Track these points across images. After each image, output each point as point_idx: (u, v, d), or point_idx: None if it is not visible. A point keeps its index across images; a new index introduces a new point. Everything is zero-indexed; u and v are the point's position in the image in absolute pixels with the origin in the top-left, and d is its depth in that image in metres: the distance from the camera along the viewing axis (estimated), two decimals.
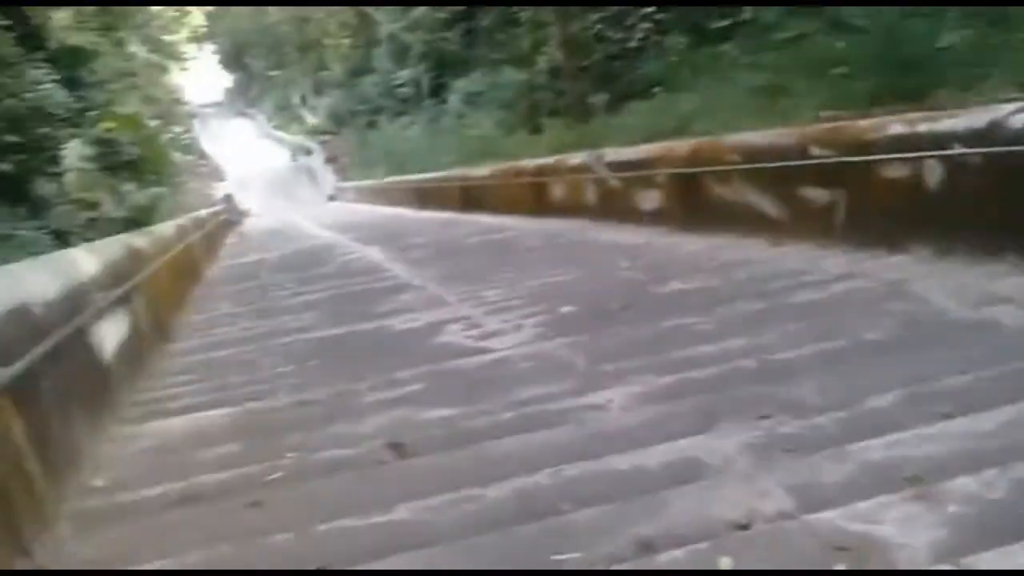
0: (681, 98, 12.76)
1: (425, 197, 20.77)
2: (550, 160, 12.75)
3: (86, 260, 5.50)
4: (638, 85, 17.20)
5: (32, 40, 18.47)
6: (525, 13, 23.78)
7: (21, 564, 2.67)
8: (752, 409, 3.23)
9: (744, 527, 2.34)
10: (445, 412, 3.92)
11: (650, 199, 9.55)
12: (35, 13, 19.29)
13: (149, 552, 2.75)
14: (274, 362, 5.59)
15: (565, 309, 5.83)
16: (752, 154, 7.48)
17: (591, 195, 11.19)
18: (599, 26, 19.67)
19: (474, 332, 5.58)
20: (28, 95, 16.30)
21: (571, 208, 11.80)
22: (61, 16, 23.54)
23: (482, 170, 16.53)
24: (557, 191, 12.39)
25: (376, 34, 42.86)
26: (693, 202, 8.51)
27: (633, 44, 19.10)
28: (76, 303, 4.62)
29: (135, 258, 7.01)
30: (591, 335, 4.97)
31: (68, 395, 3.86)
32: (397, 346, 5.58)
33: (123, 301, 5.87)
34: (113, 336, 5.33)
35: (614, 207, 10.48)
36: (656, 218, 9.37)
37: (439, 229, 14.41)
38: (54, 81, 17.96)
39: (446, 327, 5.86)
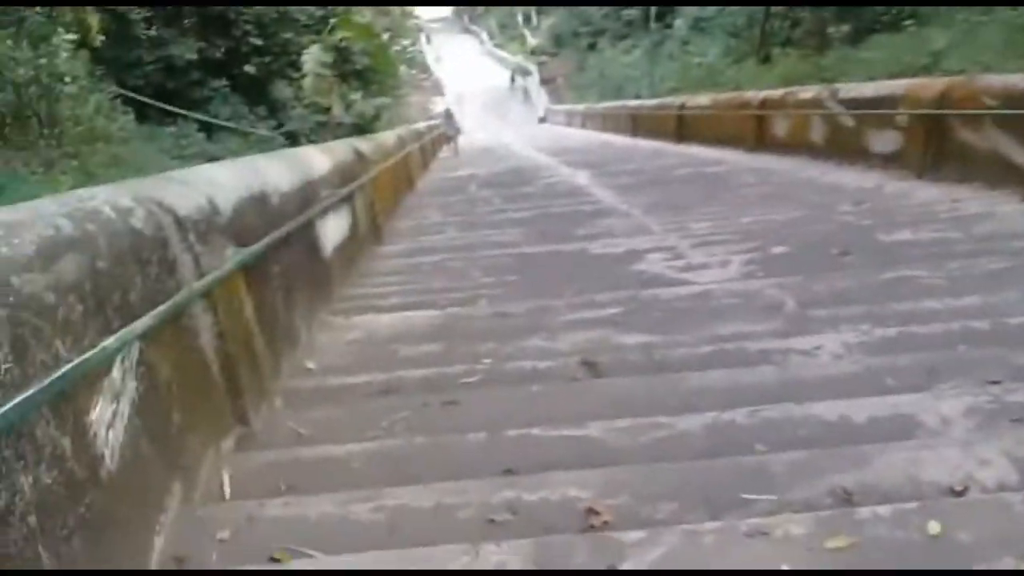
0: (934, 33, 11.57)
1: (638, 124, 20.34)
2: (778, 92, 12.02)
3: (319, 159, 5.84)
4: (887, 16, 15.78)
5: None
6: None
7: (239, 431, 2.93)
8: (979, 372, 2.92)
9: (959, 493, 2.13)
10: (642, 338, 3.86)
11: (885, 140, 8.79)
12: None
13: (351, 433, 2.93)
14: (477, 273, 5.73)
15: (778, 249, 5.54)
16: (1012, 98, 6.65)
17: (818, 132, 10.48)
18: None
19: (677, 263, 5.44)
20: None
21: (794, 145, 11.12)
22: None
23: (702, 99, 15.91)
24: (781, 126, 11.70)
25: None
26: (936, 146, 7.74)
27: None
28: (307, 197, 4.93)
29: (359, 162, 7.37)
30: (804, 278, 4.68)
31: (293, 282, 4.14)
32: (597, 269, 5.55)
33: (346, 200, 6.21)
34: (335, 232, 5.67)
35: (842, 146, 9.76)
36: (890, 161, 8.63)
37: (650, 157, 14.10)
38: None
39: (648, 255, 5.75)
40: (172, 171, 3.32)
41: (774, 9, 20.89)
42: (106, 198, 2.43)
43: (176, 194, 2.86)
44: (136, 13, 14.31)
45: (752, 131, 12.56)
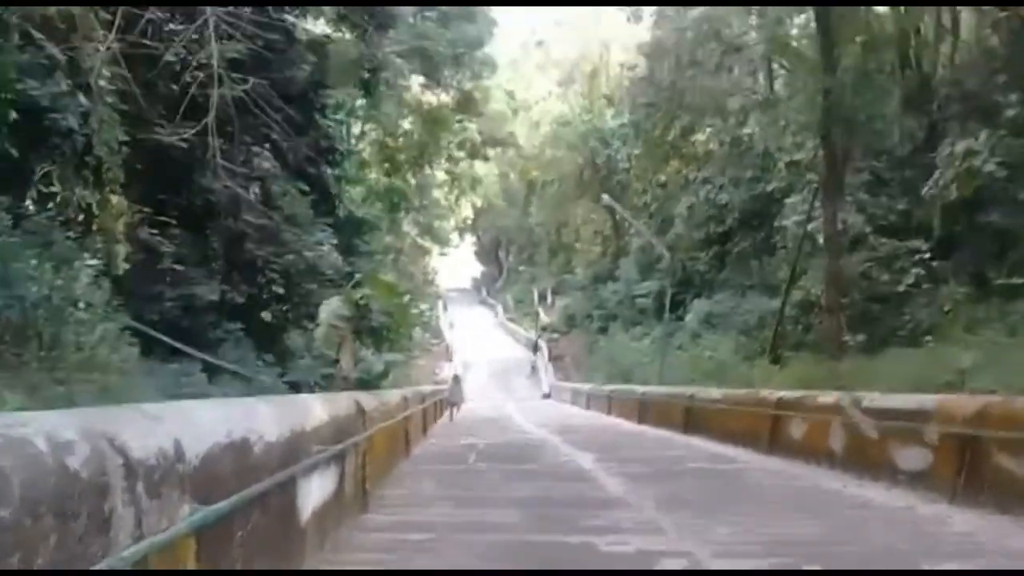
0: (958, 352, 11.51)
1: (646, 411, 20.05)
2: (795, 394, 11.77)
3: (316, 409, 5.43)
4: (902, 331, 16.04)
5: (325, 205, 20.77)
6: (785, 243, 23.41)
7: None
8: None
9: None
10: None
11: (913, 457, 8.32)
12: (334, 185, 21.71)
13: None
14: (466, 560, 5.07)
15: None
16: None
17: (838, 440, 10.04)
18: (867, 264, 18.76)
19: None
20: (308, 253, 18.02)
21: (811, 450, 10.64)
22: (356, 191, 26.48)
23: (713, 392, 15.70)
24: (797, 429, 11.30)
25: (627, 246, 44.27)
26: (972, 469, 7.25)
27: (901, 288, 17.99)
28: (295, 449, 4.46)
29: (358, 418, 6.95)
30: None
31: (258, 550, 3.56)
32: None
33: (337, 459, 5.71)
34: (318, 494, 5.12)
35: (865, 458, 9.27)
36: (919, 480, 8.10)
37: (658, 446, 13.63)
38: (333, 245, 19.84)
39: (664, 561, 5.10)
40: (146, 404, 2.89)
41: (787, 313, 21.37)
42: (43, 427, 1.99)
43: (136, 431, 2.42)
44: (166, 247, 14.65)
45: (766, 431, 12.15)
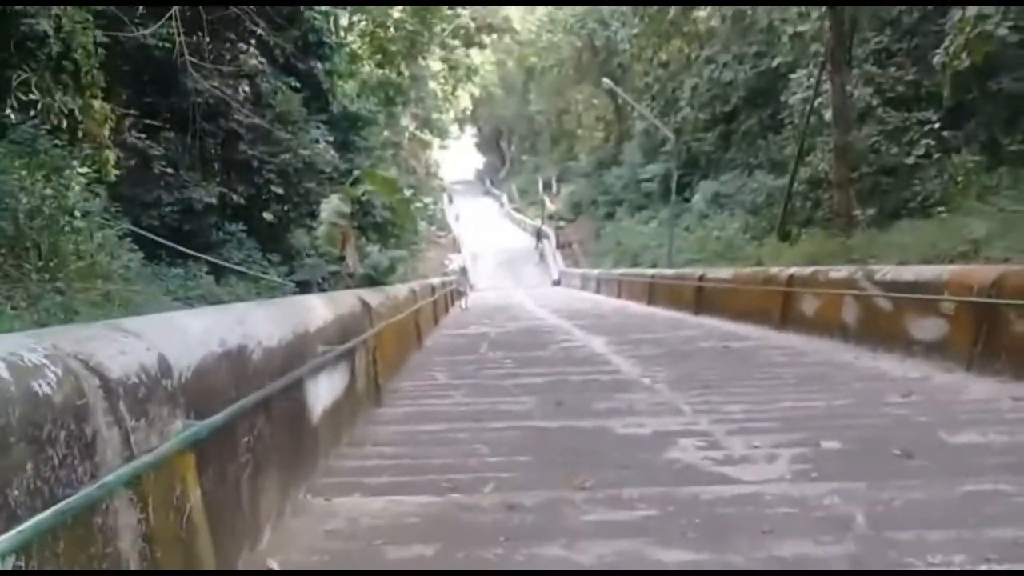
0: (970, 221, 11.28)
1: (656, 293, 20.02)
2: (806, 270, 11.62)
3: (319, 309, 5.29)
4: (912, 203, 15.74)
5: (318, 102, 20.22)
6: (792, 119, 22.81)
7: None
8: None
9: None
10: (684, 555, 3.13)
11: (929, 327, 8.22)
12: (326, 80, 21.08)
13: None
14: (484, 449, 5.04)
15: (829, 444, 4.84)
16: None
17: (851, 314, 9.95)
18: (875, 138, 18.27)
19: (715, 454, 4.74)
20: (303, 151, 17.65)
21: (823, 325, 10.59)
22: (349, 85, 25.72)
23: (723, 272, 15.58)
24: (809, 305, 11.21)
25: (630, 129, 43.42)
26: (989, 338, 7.15)
27: (910, 160, 17.55)
28: (298, 352, 4.34)
29: (365, 315, 6.84)
30: (869, 483, 3.97)
31: (266, 457, 3.47)
32: (622, 455, 4.84)
33: (346, 357, 5.62)
34: (328, 393, 5.04)
35: (878, 331, 9.20)
36: (934, 350, 8.03)
37: (670, 328, 13.59)
38: (328, 142, 19.41)
39: (678, 441, 5.06)
40: (127, 319, 2.73)
41: (795, 189, 21.00)
42: (5, 350, 1.84)
43: (114, 349, 2.27)
44: (155, 150, 14.30)
45: (777, 308, 12.08)
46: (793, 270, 12.07)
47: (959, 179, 14.66)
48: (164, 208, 15.50)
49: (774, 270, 12.92)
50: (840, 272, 10.51)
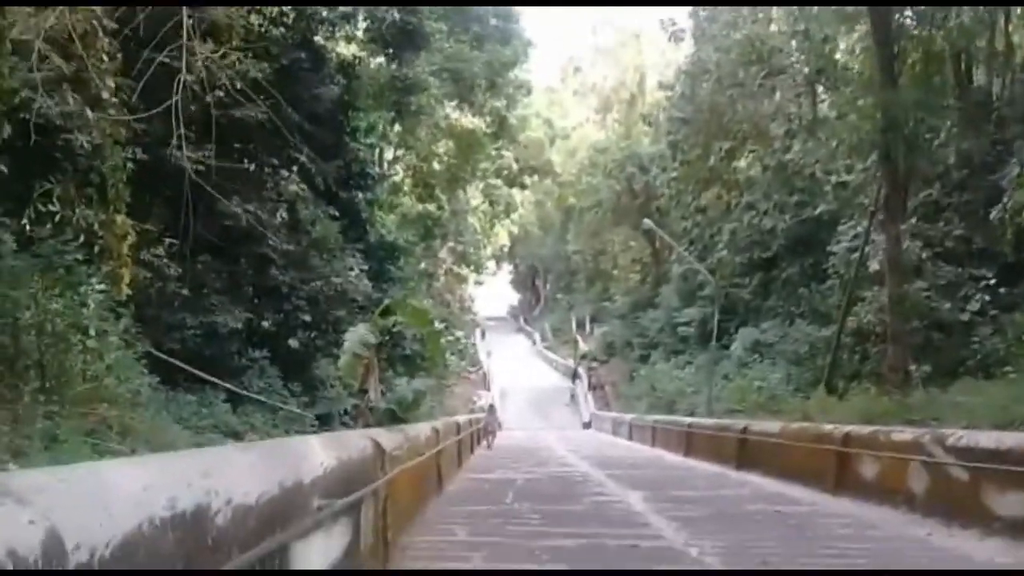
0: None
1: (693, 444, 18.93)
2: (864, 429, 10.67)
3: (318, 454, 4.55)
4: (971, 361, 14.86)
5: (356, 231, 20.12)
6: (836, 269, 22.26)
7: None
8: None
9: None
10: None
11: (1014, 503, 7.21)
12: (366, 209, 21.10)
13: None
14: None
15: None
16: None
17: (918, 482, 8.93)
18: (926, 293, 17.58)
19: None
20: (336, 279, 17.31)
21: (885, 492, 9.54)
22: (390, 218, 25.86)
23: (769, 425, 14.60)
24: (869, 468, 10.19)
25: (667, 273, 43.17)
26: None
27: (965, 316, 16.78)
28: (284, 510, 3.58)
29: (376, 459, 6.07)
30: None
31: None
32: None
33: (349, 511, 4.83)
34: (321, 557, 4.23)
35: (951, 503, 8.17)
36: (1020, 530, 7.00)
37: (712, 485, 12.53)
38: (363, 270, 19.13)
39: None
40: (20, 472, 2.02)
41: (843, 341, 20.16)
42: None
43: None
44: (172, 271, 13.94)
45: (831, 469, 11.04)
46: (850, 428, 11.09)
47: (1022, 338, 13.81)
48: (187, 331, 15.06)
49: (827, 427, 11.95)
50: (905, 434, 9.56)
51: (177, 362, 14.06)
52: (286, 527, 3.55)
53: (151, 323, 14.39)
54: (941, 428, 9.02)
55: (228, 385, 14.76)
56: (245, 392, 14.87)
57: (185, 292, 14.47)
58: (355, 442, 5.71)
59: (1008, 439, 7.63)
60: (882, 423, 11.70)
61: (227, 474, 3.04)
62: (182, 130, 10.78)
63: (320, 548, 4.19)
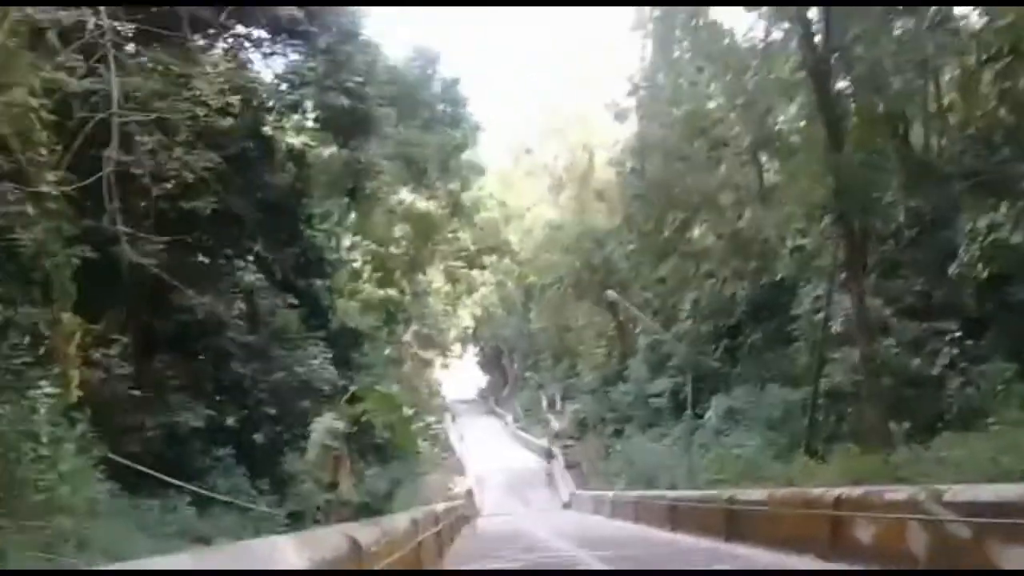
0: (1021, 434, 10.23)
1: (679, 517, 18.41)
2: (855, 491, 10.36)
3: (286, 556, 4.14)
4: (948, 415, 14.78)
5: (317, 318, 19.71)
6: (801, 332, 22.31)
7: None
8: None
9: None
10: None
11: (1020, 556, 6.93)
12: (325, 296, 20.72)
13: None
14: None
15: None
16: None
17: (918, 542, 8.61)
18: (895, 351, 17.62)
19: None
20: (299, 369, 16.81)
21: (884, 555, 9.20)
22: (352, 305, 25.49)
23: (755, 493, 14.23)
24: (864, 531, 9.86)
25: (633, 345, 43.09)
26: None
27: (935, 371, 16.79)
28: None
29: (353, 557, 5.62)
30: None
31: None
32: None
33: None
34: None
35: (955, 561, 7.85)
36: None
37: (704, 560, 12.05)
38: (327, 358, 18.64)
39: None
40: None
41: (817, 403, 20.03)
42: None
43: None
44: (123, 370, 13.40)
45: (824, 535, 10.68)
46: (840, 491, 10.78)
47: (998, 389, 13.76)
48: (147, 432, 14.41)
49: (816, 491, 11.62)
50: (899, 493, 9.27)
51: (137, 466, 13.39)
52: None
53: (108, 426, 13.74)
54: (935, 484, 8.74)
55: (192, 487, 14.06)
56: (210, 494, 14.16)
57: (140, 392, 13.87)
58: (329, 540, 5.28)
59: (1009, 491, 7.40)
60: (871, 484, 11.42)
61: None
62: (119, 224, 10.44)
63: None
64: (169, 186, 13.32)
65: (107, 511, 11.11)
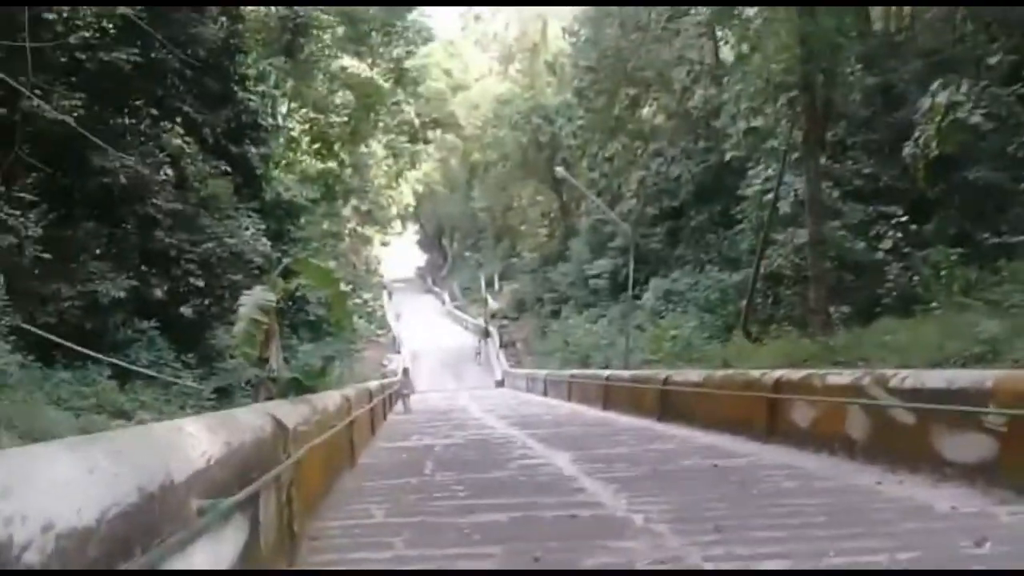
0: (970, 318, 10.17)
1: (612, 397, 18.54)
2: (796, 374, 10.30)
3: (199, 441, 3.64)
4: (887, 300, 14.80)
5: (250, 188, 18.68)
6: (746, 214, 22.11)
7: None
8: None
9: None
10: None
11: (966, 445, 6.86)
12: (260, 165, 19.62)
13: None
14: None
15: None
16: None
17: (858, 427, 8.57)
18: (840, 232, 17.48)
19: None
20: (230, 240, 15.98)
21: (822, 439, 9.19)
22: (290, 178, 24.34)
23: (691, 375, 14.23)
24: (802, 415, 9.83)
25: (576, 225, 42.81)
26: None
27: (878, 255, 16.76)
28: (150, 521, 2.70)
29: (278, 439, 5.18)
30: None
31: None
32: None
33: (243, 507, 3.95)
34: (210, 562, 3.37)
35: (897, 449, 7.81)
36: (975, 473, 6.66)
37: (639, 440, 12.04)
38: (260, 230, 17.79)
39: None
40: None
41: (757, 285, 20.05)
42: None
43: None
44: (31, 231, 12.42)
45: (762, 417, 10.67)
46: (780, 374, 10.72)
47: (942, 274, 13.76)
48: (64, 303, 13.60)
49: (755, 373, 11.57)
50: (842, 377, 9.18)
51: (52, 336, 12.67)
52: (150, 545, 2.67)
53: (20, 294, 12.94)
54: (879, 369, 8.65)
55: (113, 360, 13.44)
56: (132, 367, 13.56)
57: (58, 260, 12.98)
58: (250, 421, 4.79)
59: (960, 377, 7.27)
60: (809, 366, 11.40)
61: (45, 488, 2.13)
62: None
63: (207, 556, 3.32)
64: (87, 35, 12.03)
65: (16, 383, 10.48)
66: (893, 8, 24.00)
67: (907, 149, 14.79)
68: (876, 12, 23.87)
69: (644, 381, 16.62)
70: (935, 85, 15.13)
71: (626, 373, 18.84)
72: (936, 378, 7.57)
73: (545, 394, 26.98)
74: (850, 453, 8.57)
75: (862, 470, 7.90)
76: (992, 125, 14.42)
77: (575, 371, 25.40)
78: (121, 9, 11.88)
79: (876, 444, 8.23)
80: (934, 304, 12.48)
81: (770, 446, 10.00)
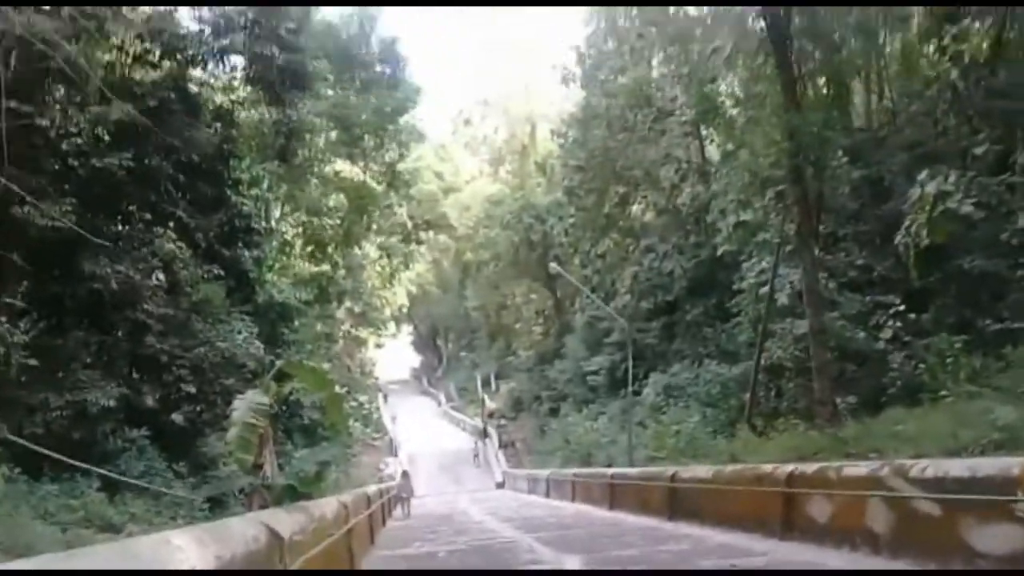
0: (982, 405, 9.94)
1: (618, 496, 17.99)
2: (810, 467, 9.95)
3: (186, 555, 3.34)
4: (892, 389, 14.59)
5: (243, 291, 18.54)
6: (742, 307, 22.06)
7: None
8: None
9: None
10: None
11: (996, 536, 6.52)
12: (253, 268, 19.56)
13: None
14: None
15: None
16: None
17: (880, 519, 8.19)
18: (839, 323, 17.38)
19: None
20: (222, 344, 15.74)
21: (843, 534, 8.78)
22: (285, 281, 24.30)
23: (699, 470, 13.81)
24: (820, 508, 9.43)
25: (571, 323, 42.69)
26: None
27: (879, 345, 16.62)
28: None
29: (272, 551, 4.84)
30: None
31: None
32: None
33: None
34: None
35: (923, 541, 7.44)
36: (1010, 565, 6.31)
37: (650, 540, 11.55)
38: (252, 334, 17.57)
39: None
40: None
41: (759, 377, 19.81)
42: None
43: None
44: (16, 338, 12.19)
45: (777, 513, 10.25)
46: (793, 467, 10.36)
47: (948, 362, 13.57)
48: (51, 412, 13.25)
49: (767, 467, 11.20)
50: (858, 469, 8.85)
51: (39, 448, 12.25)
52: None
53: (8, 404, 12.62)
54: (897, 460, 8.35)
55: (101, 471, 12.97)
56: (121, 478, 13.09)
57: (46, 368, 12.70)
58: (243, 532, 4.47)
59: (984, 466, 6.97)
60: (821, 459, 11.07)
61: None
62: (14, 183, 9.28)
63: None
64: (80, 142, 12.08)
65: (1, 496, 10.07)
66: (875, 103, 24.66)
67: (899, 238, 14.87)
68: (858, 108, 24.49)
69: (651, 479, 16.15)
70: (923, 175, 15.31)
71: (632, 471, 18.38)
72: (958, 467, 7.27)
73: (548, 495, 26.27)
74: (874, 547, 8.17)
75: (889, 564, 7.53)
76: (983, 214, 14.53)
77: (578, 470, 24.80)
78: (115, 115, 11.97)
79: (900, 537, 7.84)
80: (943, 392, 12.25)
81: (787, 543, 9.57)
